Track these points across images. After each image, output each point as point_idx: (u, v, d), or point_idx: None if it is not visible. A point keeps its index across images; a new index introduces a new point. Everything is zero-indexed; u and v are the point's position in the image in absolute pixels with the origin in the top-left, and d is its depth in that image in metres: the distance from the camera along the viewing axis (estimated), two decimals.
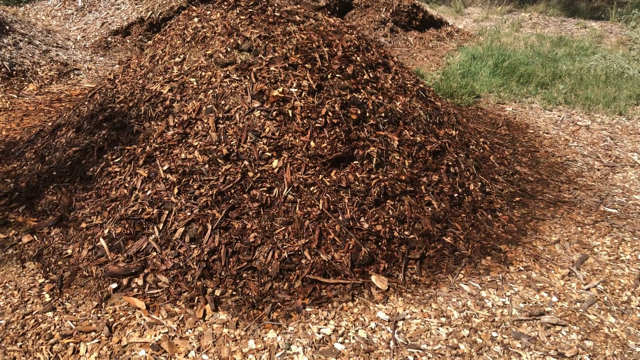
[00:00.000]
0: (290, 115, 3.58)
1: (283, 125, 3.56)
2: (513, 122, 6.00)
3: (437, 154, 4.04)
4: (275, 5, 4.71)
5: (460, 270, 3.34)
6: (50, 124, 4.88)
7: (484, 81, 7.06)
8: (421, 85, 4.59)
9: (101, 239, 3.33)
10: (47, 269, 3.26)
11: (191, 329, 2.84)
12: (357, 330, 2.83)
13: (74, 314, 2.93)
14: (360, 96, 3.88)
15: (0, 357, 2.65)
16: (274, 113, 3.57)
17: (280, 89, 3.67)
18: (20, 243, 3.47)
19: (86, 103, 4.46)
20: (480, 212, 3.91)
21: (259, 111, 3.59)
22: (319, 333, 2.81)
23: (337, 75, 3.91)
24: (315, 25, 4.27)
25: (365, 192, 3.47)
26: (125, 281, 3.15)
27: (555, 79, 7.27)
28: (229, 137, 3.54)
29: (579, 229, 3.90)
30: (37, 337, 2.76)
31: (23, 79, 6.31)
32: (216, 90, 3.73)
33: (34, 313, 2.92)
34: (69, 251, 3.37)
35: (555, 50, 8.91)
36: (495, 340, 2.80)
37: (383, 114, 3.89)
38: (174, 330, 2.83)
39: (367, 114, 3.85)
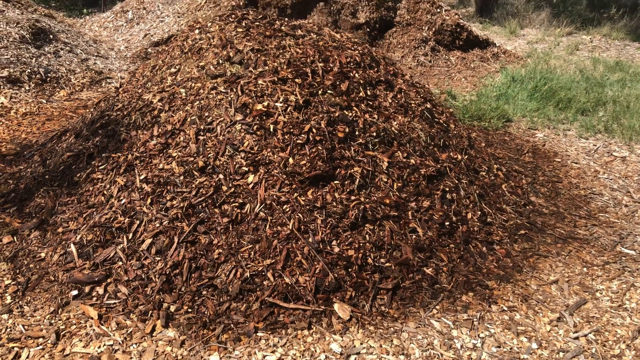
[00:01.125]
0: (272, 130, 3.48)
1: (263, 140, 3.46)
2: (541, 149, 5.62)
3: (433, 179, 3.80)
4: (285, 20, 4.66)
5: (435, 305, 3.09)
6: (61, 129, 5.02)
7: (519, 105, 6.68)
8: (428, 106, 4.36)
9: (72, 245, 3.33)
10: (17, 271, 3.29)
11: (136, 343, 2.76)
12: None
13: (28, 318, 2.92)
14: (350, 114, 3.72)
15: None
16: (255, 127, 3.48)
17: (266, 103, 3.58)
18: (0, 243, 3.53)
19: (92, 110, 4.55)
20: (474, 244, 3.63)
21: (240, 124, 3.51)
22: None
23: (329, 91, 3.78)
24: (315, 40, 4.16)
25: (341, 214, 3.29)
26: (87, 289, 3.12)
27: (598, 105, 6.78)
28: (208, 149, 3.48)
29: (585, 269, 3.53)
30: None
31: (56, 85, 6.58)
32: (202, 102, 3.69)
33: None
34: (42, 254, 3.39)
35: (608, 76, 8.35)
36: None
37: (375, 134, 3.71)
38: (119, 343, 2.75)
39: (357, 133, 3.67)
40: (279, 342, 2.77)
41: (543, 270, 3.50)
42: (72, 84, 6.74)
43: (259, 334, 2.83)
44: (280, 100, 3.61)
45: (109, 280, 3.15)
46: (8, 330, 2.83)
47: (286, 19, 4.70)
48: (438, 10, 9.67)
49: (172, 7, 9.71)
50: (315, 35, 4.27)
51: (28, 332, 2.81)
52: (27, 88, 6.27)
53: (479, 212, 3.86)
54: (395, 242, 3.34)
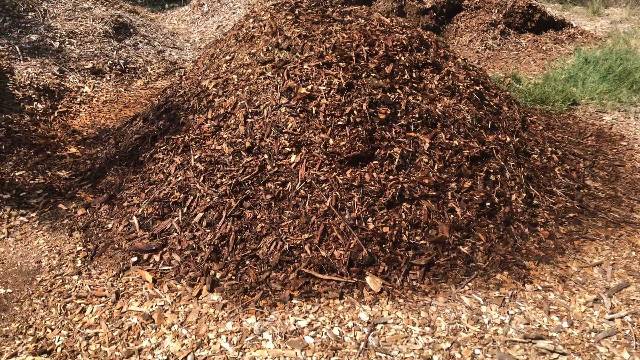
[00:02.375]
0: (314, 112, 3.64)
1: (305, 122, 3.64)
2: (606, 132, 5.38)
3: (477, 160, 3.81)
4: (337, 7, 4.79)
5: (468, 282, 3.14)
6: (134, 115, 5.47)
7: (588, 87, 6.40)
8: (477, 88, 4.34)
9: (134, 217, 3.69)
10: (88, 239, 3.70)
11: (184, 305, 3.05)
12: (332, 327, 2.82)
13: (94, 279, 3.31)
14: (393, 96, 3.80)
15: (26, 307, 3.09)
16: (298, 110, 3.66)
17: (309, 87, 3.75)
18: (75, 215, 3.98)
19: (159, 97, 4.93)
20: (516, 225, 3.61)
21: (284, 107, 3.70)
22: (294, 324, 2.85)
23: (372, 74, 3.88)
24: (362, 25, 4.26)
25: (378, 193, 3.41)
26: (145, 256, 3.46)
27: None
28: (255, 131, 3.71)
29: (634, 253, 3.43)
30: (58, 295, 3.16)
31: (133, 75, 7.12)
32: (251, 86, 3.92)
33: (63, 275, 3.35)
34: (109, 225, 3.78)
35: None
36: (474, 358, 2.61)
37: (417, 115, 3.77)
38: (169, 304, 3.06)
39: (399, 114, 3.76)
40: (311, 309, 2.96)
41: (587, 253, 3.43)
42: (148, 73, 7.26)
43: (294, 301, 3.03)
44: (324, 83, 3.77)
45: (164, 249, 3.47)
46: (77, 289, 3.22)
47: (339, 5, 4.82)
48: None
49: None
50: (363, 21, 4.37)
51: (93, 292, 3.19)
52: (108, 78, 6.85)
53: (524, 194, 3.82)
54: (432, 220, 3.41)
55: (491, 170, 3.80)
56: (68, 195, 4.26)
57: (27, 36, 6.95)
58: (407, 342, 2.72)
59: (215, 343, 2.75)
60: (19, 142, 4.83)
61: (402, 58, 4.10)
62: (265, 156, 3.59)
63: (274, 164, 3.56)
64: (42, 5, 7.72)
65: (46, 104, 5.74)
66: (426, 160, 3.64)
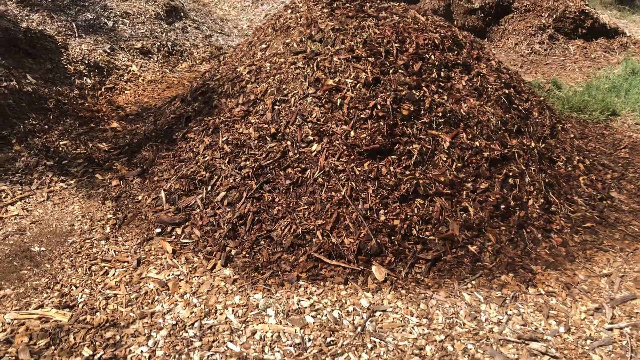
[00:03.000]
0: (338, 104, 3.76)
1: (329, 113, 3.76)
2: None
3: (497, 162, 3.84)
4: (375, 2, 4.87)
5: (471, 280, 3.21)
6: (175, 95, 5.73)
7: (631, 98, 6.25)
8: (506, 91, 4.35)
9: (162, 191, 3.92)
10: (118, 209, 3.95)
11: (198, 276, 3.25)
12: (332, 310, 2.95)
13: (119, 246, 3.55)
14: (418, 93, 3.88)
15: (56, 265, 3.36)
16: (324, 100, 3.79)
17: (337, 79, 3.87)
18: (109, 185, 4.25)
19: (198, 79, 5.15)
20: (530, 229, 3.64)
21: (311, 97, 3.84)
22: (297, 304, 3.00)
23: (400, 70, 3.96)
24: (396, 22, 4.34)
25: (393, 187, 3.51)
26: (169, 229, 3.68)
27: None
28: (281, 118, 3.86)
29: None
30: (86, 257, 3.42)
31: (180, 57, 7.41)
32: (282, 75, 4.07)
33: (92, 239, 3.61)
34: (139, 197, 4.02)
35: None
36: (466, 353, 2.69)
37: (440, 114, 3.83)
38: (185, 274, 3.26)
39: (422, 112, 3.83)
40: (315, 291, 3.10)
41: (598, 263, 3.43)
42: (194, 57, 7.53)
43: (301, 282, 3.17)
44: (351, 76, 3.88)
45: (186, 224, 3.68)
46: (103, 253, 3.47)
47: (377, 1, 4.90)
48: None
49: None
50: (397, 17, 4.44)
51: (117, 257, 3.43)
52: (155, 59, 7.15)
53: (542, 200, 3.83)
54: (444, 218, 3.49)
55: (510, 174, 3.83)
56: (105, 167, 4.54)
57: (84, 14, 7.33)
58: (403, 330, 2.83)
59: (221, 314, 2.93)
60: (66, 113, 5.15)
61: (432, 57, 4.16)
62: (289, 143, 3.74)
63: (295, 151, 3.70)
64: None
65: (95, 79, 6.07)
66: (445, 159, 3.70)
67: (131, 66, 6.75)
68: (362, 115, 3.72)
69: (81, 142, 4.82)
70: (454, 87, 4.10)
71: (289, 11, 4.69)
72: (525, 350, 2.70)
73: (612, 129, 5.70)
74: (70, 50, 6.22)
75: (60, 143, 4.72)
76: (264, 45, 4.51)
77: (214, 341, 2.74)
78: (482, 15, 9.06)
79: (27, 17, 6.82)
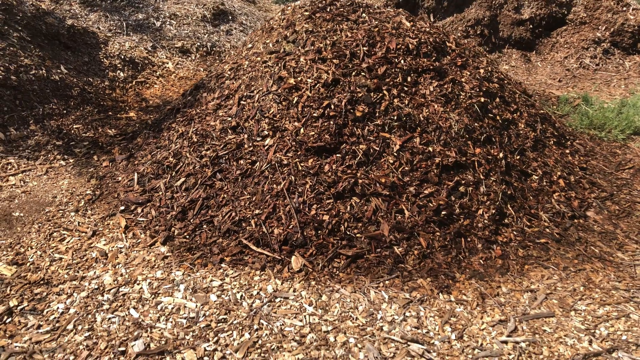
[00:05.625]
0: (294, 102, 3.92)
1: (285, 110, 3.93)
2: None
3: (450, 169, 3.81)
4: (372, 7, 4.96)
5: (385, 280, 3.23)
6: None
7: None
8: (483, 100, 4.27)
9: (136, 174, 4.28)
10: (99, 186, 4.36)
11: (137, 250, 3.54)
12: (238, 292, 3.12)
13: (85, 218, 3.94)
14: (376, 96, 3.93)
15: (26, 229, 3.80)
16: (282, 98, 3.96)
17: (299, 78, 4.02)
18: (100, 166, 4.68)
19: (203, 77, 5.50)
20: (470, 239, 3.58)
21: (272, 94, 4.02)
22: (208, 283, 3.19)
23: (363, 73, 4.04)
24: (372, 26, 4.41)
25: (330, 184, 3.60)
26: (132, 207, 4.02)
27: None
28: (244, 112, 4.08)
29: (582, 288, 3.23)
30: (52, 225, 3.83)
31: (217, 57, 7.86)
32: (254, 73, 4.29)
33: (65, 210, 4.03)
34: (120, 178, 4.41)
35: None
36: (345, 345, 2.75)
37: (395, 117, 3.87)
38: (127, 248, 3.57)
39: (377, 114, 3.89)
40: (232, 274, 3.28)
41: (530, 279, 3.31)
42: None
43: (223, 265, 3.37)
44: (313, 76, 4.01)
45: (148, 204, 4.00)
46: (69, 222, 3.87)
47: (375, 7, 4.98)
48: (624, 8, 8.61)
49: None
50: (376, 22, 4.51)
51: (78, 227, 3.81)
52: (193, 58, 7.65)
53: (494, 211, 3.74)
54: (376, 218, 3.53)
55: (463, 182, 3.78)
56: (106, 150, 5.00)
57: (135, 15, 8.00)
58: (295, 317, 2.93)
59: (139, 284, 3.19)
60: (88, 101, 5.71)
61: (402, 61, 4.19)
62: (245, 136, 3.95)
63: (250, 144, 3.90)
64: None
65: (127, 73, 6.64)
66: (391, 161, 3.73)
67: (167, 63, 7.28)
68: (314, 114, 3.85)
69: (92, 127, 5.33)
70: (419, 92, 4.11)
71: (280, 14, 4.91)
72: (405, 350, 2.71)
73: (628, 148, 5.33)
74: (109, 46, 6.84)
75: (74, 126, 5.25)
76: (249, 45, 4.77)
77: (120, 306, 3.01)
78: (532, 26, 8.73)
79: (85, 16, 7.58)
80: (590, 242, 3.74)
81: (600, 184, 4.51)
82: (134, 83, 6.59)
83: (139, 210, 3.97)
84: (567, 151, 4.77)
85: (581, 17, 8.75)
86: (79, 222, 3.87)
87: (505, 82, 4.92)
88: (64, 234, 3.72)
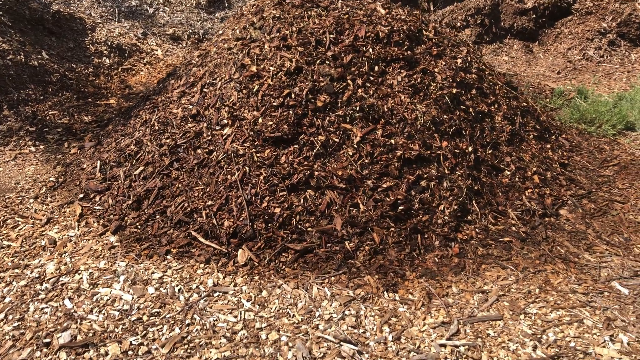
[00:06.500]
0: (254, 90, 3.80)
1: (245, 99, 3.82)
2: (638, 165, 4.67)
3: (412, 163, 3.66)
4: None
5: (331, 276, 3.12)
6: None
7: None
8: (455, 91, 4.10)
9: (98, 161, 4.22)
10: (63, 173, 4.32)
11: (86, 239, 3.49)
12: (177, 285, 3.04)
13: (43, 205, 3.89)
14: (339, 85, 3.80)
15: None
16: (242, 86, 3.85)
17: (262, 66, 3.91)
18: (68, 153, 4.64)
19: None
20: (428, 235, 3.44)
21: (233, 82, 3.92)
22: (149, 275, 3.12)
23: (327, 61, 3.90)
24: (342, 13, 4.26)
25: (285, 176, 3.49)
26: (91, 195, 3.97)
27: None
28: (205, 100, 3.98)
29: (538, 291, 3.08)
30: (8, 211, 3.80)
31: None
32: (219, 60, 4.18)
33: (25, 197, 3.99)
34: (85, 165, 4.36)
35: None
36: (276, 344, 2.65)
37: (358, 108, 3.73)
38: (77, 237, 3.52)
39: (339, 104, 3.75)
40: (175, 266, 3.20)
41: (484, 279, 3.17)
42: None
43: (168, 257, 3.29)
44: (276, 64, 3.89)
45: (106, 193, 3.94)
46: (25, 209, 3.83)
47: None
48: None
49: None
50: (347, 9, 4.35)
51: (34, 214, 3.77)
52: (184, 45, 7.57)
53: (457, 207, 3.59)
54: (330, 212, 3.41)
55: (425, 176, 3.63)
56: (79, 136, 4.96)
57: (129, 1, 7.94)
58: (230, 313, 2.84)
59: (79, 274, 3.14)
60: (67, 87, 5.67)
61: (370, 50, 4.04)
62: (205, 124, 3.86)
63: (209, 133, 3.81)
64: None
65: (113, 60, 6.59)
66: (351, 153, 3.60)
67: (157, 50, 7.21)
68: (274, 103, 3.73)
69: (69, 113, 5.29)
70: (385, 82, 3.96)
71: (252, 0, 4.78)
72: (336, 350, 2.60)
73: (617, 144, 5.10)
74: (96, 32, 6.80)
75: (49, 113, 5.22)
76: (221, 31, 4.66)
77: (56, 296, 2.95)
78: (535, 16, 8.44)
79: (78, 2, 7.55)
80: (558, 242, 3.57)
81: (580, 180, 4.32)
82: (119, 70, 6.53)
83: (97, 198, 3.91)
84: (548, 146, 4.57)
85: (587, 7, 8.43)
86: (35, 209, 3.83)
87: (487, 72, 4.73)
88: (18, 221, 3.68)
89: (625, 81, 7.04)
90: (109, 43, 6.74)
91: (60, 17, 6.36)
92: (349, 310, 2.88)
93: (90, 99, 5.69)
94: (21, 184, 4.17)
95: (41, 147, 4.74)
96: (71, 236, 3.52)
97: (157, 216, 3.61)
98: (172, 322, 2.77)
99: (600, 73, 7.39)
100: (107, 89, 6.05)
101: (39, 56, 5.68)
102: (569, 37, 8.35)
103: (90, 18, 7.04)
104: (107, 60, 6.53)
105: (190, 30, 7.82)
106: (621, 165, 4.66)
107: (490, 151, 4.06)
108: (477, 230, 3.56)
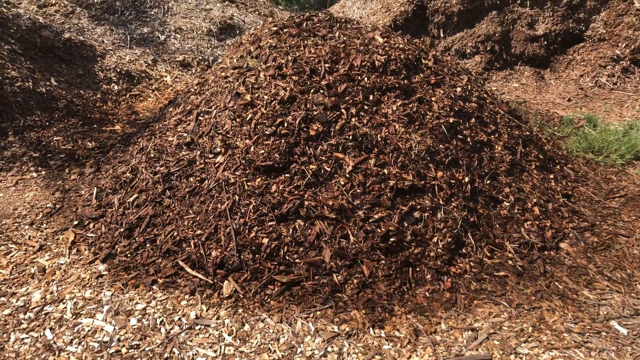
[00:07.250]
0: (248, 119, 3.80)
1: (239, 127, 3.81)
2: None
3: (405, 193, 3.60)
4: (346, 21, 4.82)
5: (317, 310, 3.04)
6: None
7: None
8: (452, 120, 4.04)
9: (95, 188, 4.24)
10: (61, 200, 4.35)
11: (76, 267, 3.48)
12: (159, 317, 2.99)
13: (37, 232, 3.91)
14: (332, 114, 3.77)
15: None
16: (236, 115, 3.85)
17: (256, 95, 3.91)
18: (68, 179, 4.68)
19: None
20: (419, 268, 3.35)
21: (228, 111, 3.92)
22: (132, 306, 3.09)
23: (322, 90, 3.89)
24: (339, 42, 4.26)
25: (275, 205, 3.45)
26: (86, 222, 3.97)
27: None
28: (200, 128, 3.99)
29: (530, 329, 2.95)
30: (4, 238, 3.82)
31: None
32: (216, 88, 4.20)
33: (21, 223, 4.02)
34: (82, 192, 4.39)
35: None
36: None
37: (351, 137, 3.69)
38: (67, 264, 3.51)
39: (332, 133, 3.72)
40: (160, 297, 3.16)
41: (476, 315, 3.06)
42: None
43: (154, 287, 3.26)
44: (271, 93, 3.89)
45: (100, 220, 3.94)
46: (20, 236, 3.85)
47: (353, 22, 4.84)
48: None
49: (363, 11, 10.33)
50: (344, 38, 4.35)
51: (27, 241, 3.78)
52: (193, 71, 7.67)
53: (451, 240, 3.50)
54: (319, 243, 3.35)
55: (418, 207, 3.56)
56: (81, 162, 5.00)
57: (141, 28, 8.10)
58: (210, 347, 2.78)
59: (64, 304, 3.12)
60: (74, 114, 5.76)
61: (366, 79, 4.02)
62: (198, 152, 3.85)
63: (202, 161, 3.80)
64: (168, 4, 8.88)
65: (122, 86, 6.69)
66: (343, 183, 3.56)
67: (166, 77, 7.31)
68: (266, 132, 3.72)
69: (73, 139, 5.36)
70: (380, 111, 3.92)
71: (252, 29, 4.82)
72: None
73: (626, 175, 4.96)
74: (106, 59, 6.93)
75: (54, 139, 5.29)
76: (220, 60, 4.69)
77: (38, 326, 2.93)
78: (546, 43, 8.37)
79: (92, 29, 7.73)
80: (556, 277, 3.45)
81: (583, 212, 4.19)
82: (127, 96, 6.63)
83: (91, 225, 3.92)
84: (552, 176, 4.46)
85: (600, 34, 8.34)
86: (30, 236, 3.84)
87: (488, 101, 4.66)
88: (11, 248, 3.70)
89: (638, 109, 6.90)
90: (119, 70, 6.85)
91: (71, 45, 6.50)
92: (332, 347, 2.79)
93: (95, 125, 5.76)
94: (19, 210, 4.20)
95: (43, 172, 4.80)
96: (61, 264, 3.51)
97: (147, 245, 3.59)
98: (151, 355, 2.72)
99: (613, 101, 7.26)
100: (113, 115, 6.13)
101: (47, 83, 5.79)
102: (582, 63, 8.25)
103: (102, 45, 7.19)
104: (116, 87, 6.63)
105: (200, 57, 7.93)
106: (628, 196, 4.52)
107: (488, 182, 3.97)
108: (471, 263, 3.46)
